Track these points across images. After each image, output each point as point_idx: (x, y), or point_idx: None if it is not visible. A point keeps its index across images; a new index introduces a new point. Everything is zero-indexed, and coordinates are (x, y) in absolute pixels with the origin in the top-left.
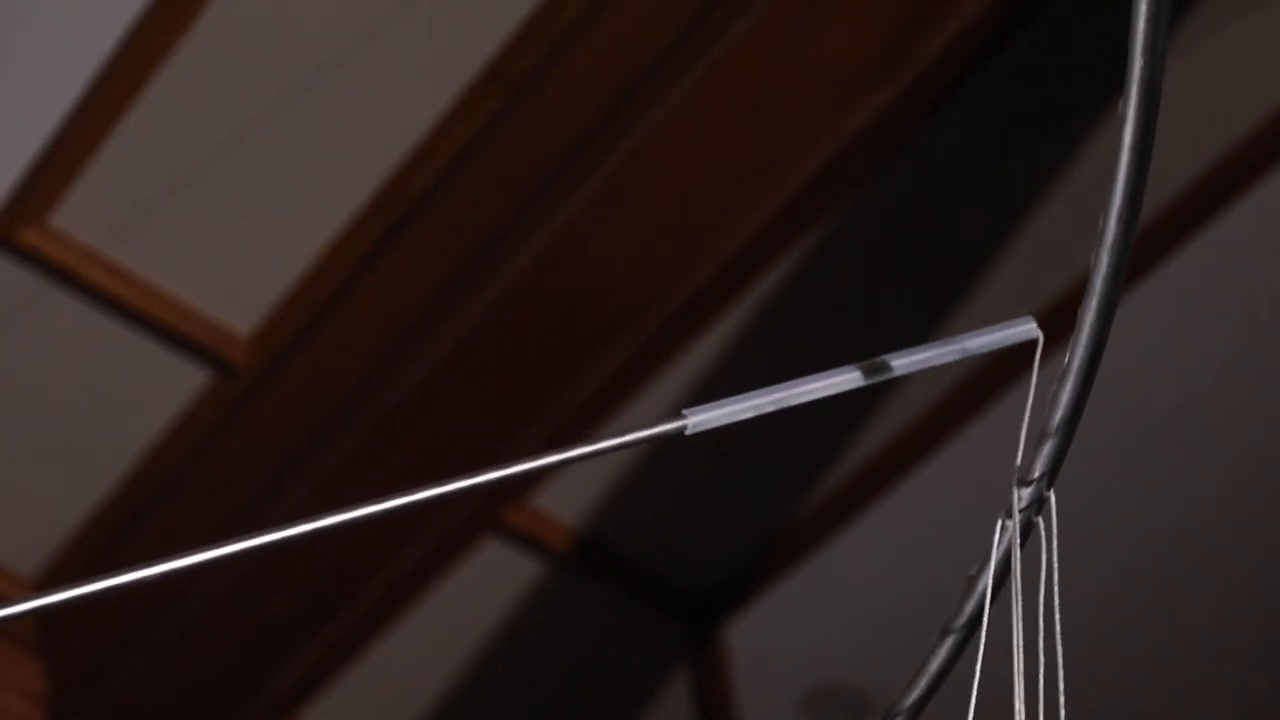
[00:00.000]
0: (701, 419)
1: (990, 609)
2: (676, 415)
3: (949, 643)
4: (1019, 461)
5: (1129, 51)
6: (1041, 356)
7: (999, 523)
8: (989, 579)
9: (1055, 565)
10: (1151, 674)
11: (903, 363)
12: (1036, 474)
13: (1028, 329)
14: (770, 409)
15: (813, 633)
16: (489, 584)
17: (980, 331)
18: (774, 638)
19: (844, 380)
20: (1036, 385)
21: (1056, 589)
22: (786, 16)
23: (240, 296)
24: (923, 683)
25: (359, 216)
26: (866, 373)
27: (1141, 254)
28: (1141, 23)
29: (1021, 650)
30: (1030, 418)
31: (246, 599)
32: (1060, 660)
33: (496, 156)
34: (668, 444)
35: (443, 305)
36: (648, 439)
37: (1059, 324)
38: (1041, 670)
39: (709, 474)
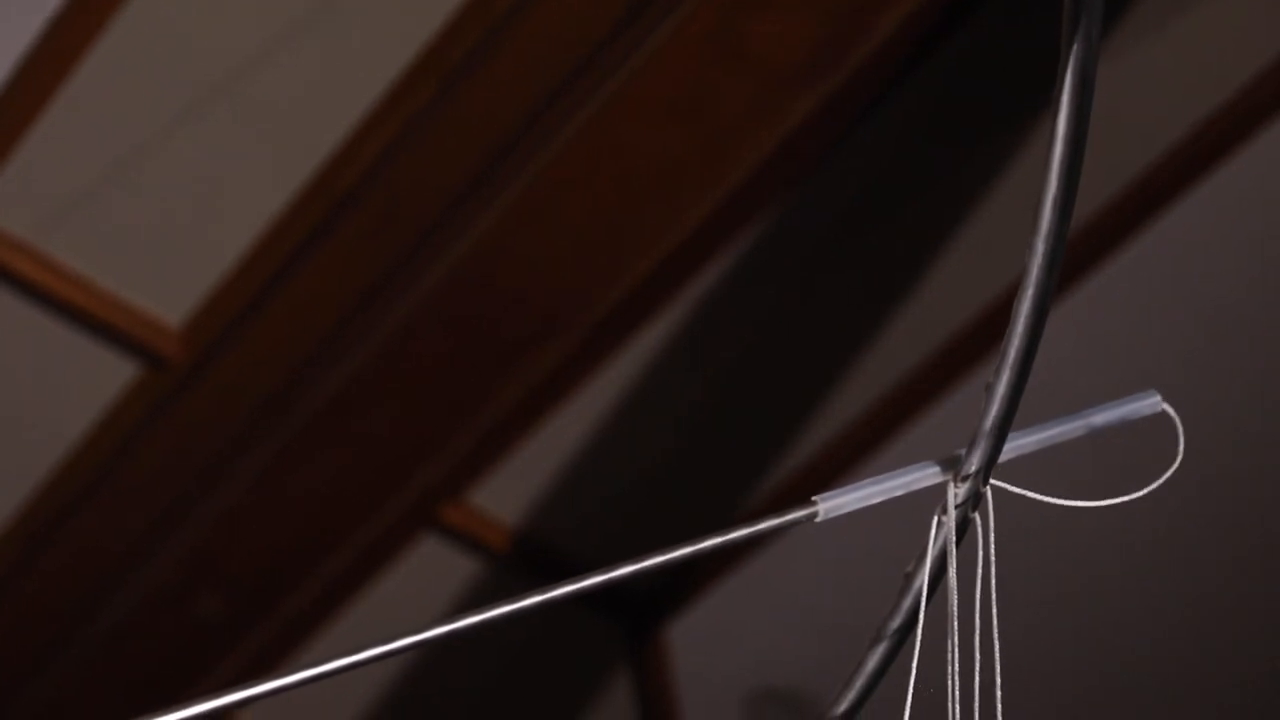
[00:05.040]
0: (833, 504)
1: (928, 606)
2: (807, 503)
3: (886, 640)
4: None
5: (1062, 36)
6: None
7: (935, 519)
8: (925, 576)
9: (992, 561)
10: (1094, 678)
11: (1024, 442)
12: (973, 469)
13: (1152, 402)
14: (900, 492)
15: (755, 633)
16: (427, 583)
17: (1104, 407)
18: (716, 638)
19: (927, 475)
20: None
21: (994, 585)
22: (721, 10)
23: (171, 288)
24: (860, 681)
25: (291, 208)
26: (946, 467)
27: (1088, 248)
28: (1074, 6)
29: (957, 648)
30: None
31: (177, 598)
32: (998, 656)
33: (426, 153)
34: (607, 441)
35: (375, 300)
36: (779, 526)
37: (1004, 319)
38: (978, 669)
39: (651, 473)
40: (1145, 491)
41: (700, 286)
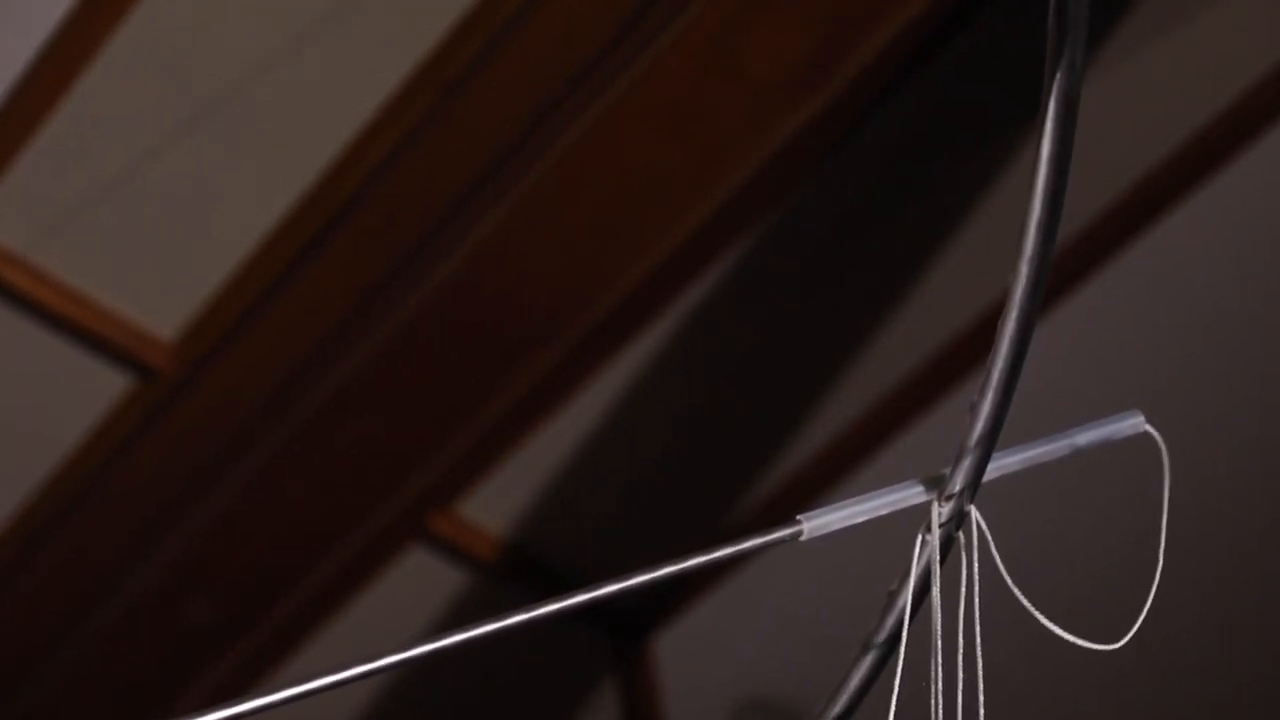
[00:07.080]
0: (818, 523)
1: (912, 624)
2: (791, 521)
3: (869, 658)
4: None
5: (1046, 61)
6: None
7: (919, 537)
8: (908, 594)
9: (976, 579)
10: (1078, 700)
11: (1008, 462)
12: (957, 488)
13: (1135, 423)
14: (886, 510)
15: (743, 645)
16: (414, 593)
17: (1088, 426)
18: (704, 650)
19: (911, 495)
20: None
21: (977, 604)
22: (720, 19)
23: (164, 301)
24: (843, 699)
25: (286, 220)
26: (930, 486)
27: (1075, 265)
28: (1058, 33)
29: (940, 667)
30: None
31: (165, 604)
32: (980, 676)
33: (424, 162)
34: (596, 452)
35: (368, 311)
36: (763, 545)
37: (991, 336)
38: (961, 686)
39: (639, 483)
40: (1124, 639)
41: (695, 293)
